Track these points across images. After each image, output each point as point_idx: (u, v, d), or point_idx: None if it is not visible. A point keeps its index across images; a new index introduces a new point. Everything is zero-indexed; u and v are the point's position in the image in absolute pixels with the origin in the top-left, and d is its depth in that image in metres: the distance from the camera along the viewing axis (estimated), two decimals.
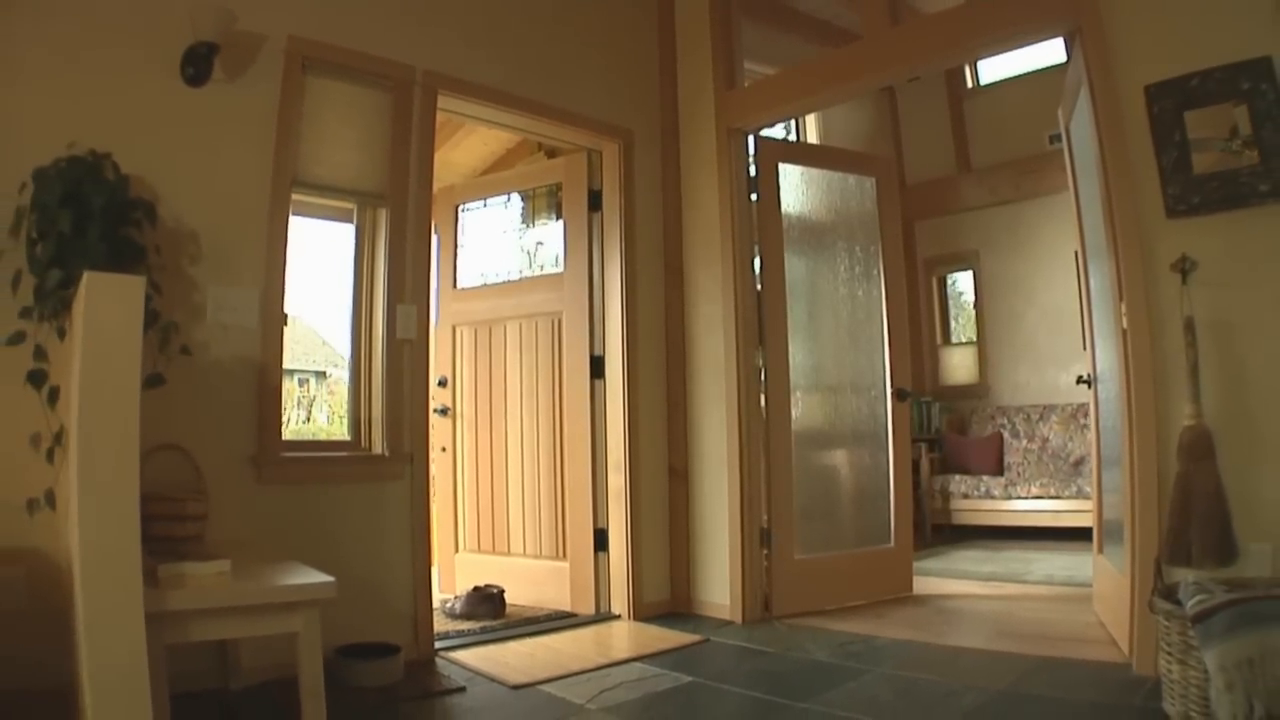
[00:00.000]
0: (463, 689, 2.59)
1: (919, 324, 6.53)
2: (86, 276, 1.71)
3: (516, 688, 2.59)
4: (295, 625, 1.88)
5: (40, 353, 2.17)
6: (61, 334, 2.16)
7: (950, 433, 6.17)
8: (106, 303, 1.69)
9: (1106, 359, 3.09)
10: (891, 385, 3.91)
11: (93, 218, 2.25)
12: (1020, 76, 6.22)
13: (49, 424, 2.18)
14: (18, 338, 2.16)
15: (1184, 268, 2.54)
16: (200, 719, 2.26)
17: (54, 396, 2.16)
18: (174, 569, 1.79)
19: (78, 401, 1.66)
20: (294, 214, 2.86)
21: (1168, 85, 2.62)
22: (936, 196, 6.52)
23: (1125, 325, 2.65)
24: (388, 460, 2.92)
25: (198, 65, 2.68)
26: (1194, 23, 2.62)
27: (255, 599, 1.85)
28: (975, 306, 6.48)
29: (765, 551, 3.58)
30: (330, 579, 1.92)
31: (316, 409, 11.39)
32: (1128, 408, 2.64)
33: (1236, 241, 2.50)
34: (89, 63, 2.51)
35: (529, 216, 4.12)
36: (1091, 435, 3.57)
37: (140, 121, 2.57)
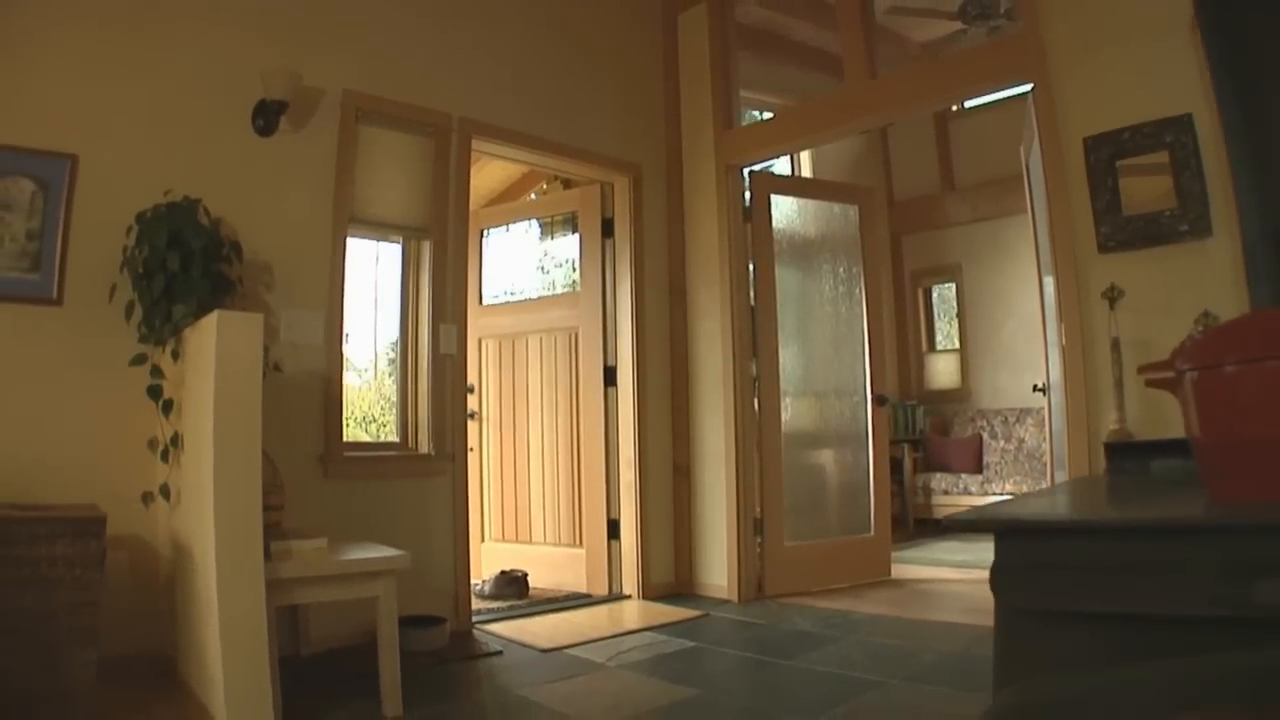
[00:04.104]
0: (500, 652, 3.06)
1: (905, 332, 6.98)
2: (218, 315, 2.16)
3: (545, 651, 3.06)
4: (377, 590, 2.34)
5: (157, 371, 2.61)
6: (175, 356, 2.60)
7: (933, 434, 6.62)
8: (235, 336, 2.14)
9: (1055, 370, 3.54)
10: (872, 391, 4.37)
11: (194, 257, 2.67)
12: (1001, 100, 6.63)
13: (162, 430, 2.63)
14: (140, 359, 2.61)
15: (1112, 295, 2.99)
16: (281, 678, 2.71)
17: (168, 408, 2.61)
18: (283, 545, 2.24)
19: (214, 415, 2.10)
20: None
21: (1103, 138, 3.05)
22: (923, 212, 6.97)
23: (1063, 343, 3.10)
24: (433, 459, 3.38)
25: (267, 118, 3.12)
26: (1128, 83, 3.03)
27: (347, 569, 2.30)
28: (958, 316, 6.92)
29: (758, 539, 4.04)
30: (405, 553, 2.39)
31: None
32: (1065, 414, 3.09)
33: (1157, 274, 2.93)
34: (173, 118, 2.92)
35: (547, 241, 4.58)
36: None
37: (219, 168, 2.98)
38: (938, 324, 7.20)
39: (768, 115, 6.06)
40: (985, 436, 6.38)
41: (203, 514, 2.19)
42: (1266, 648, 0.62)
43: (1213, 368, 0.77)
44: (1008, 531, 0.82)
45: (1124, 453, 1.29)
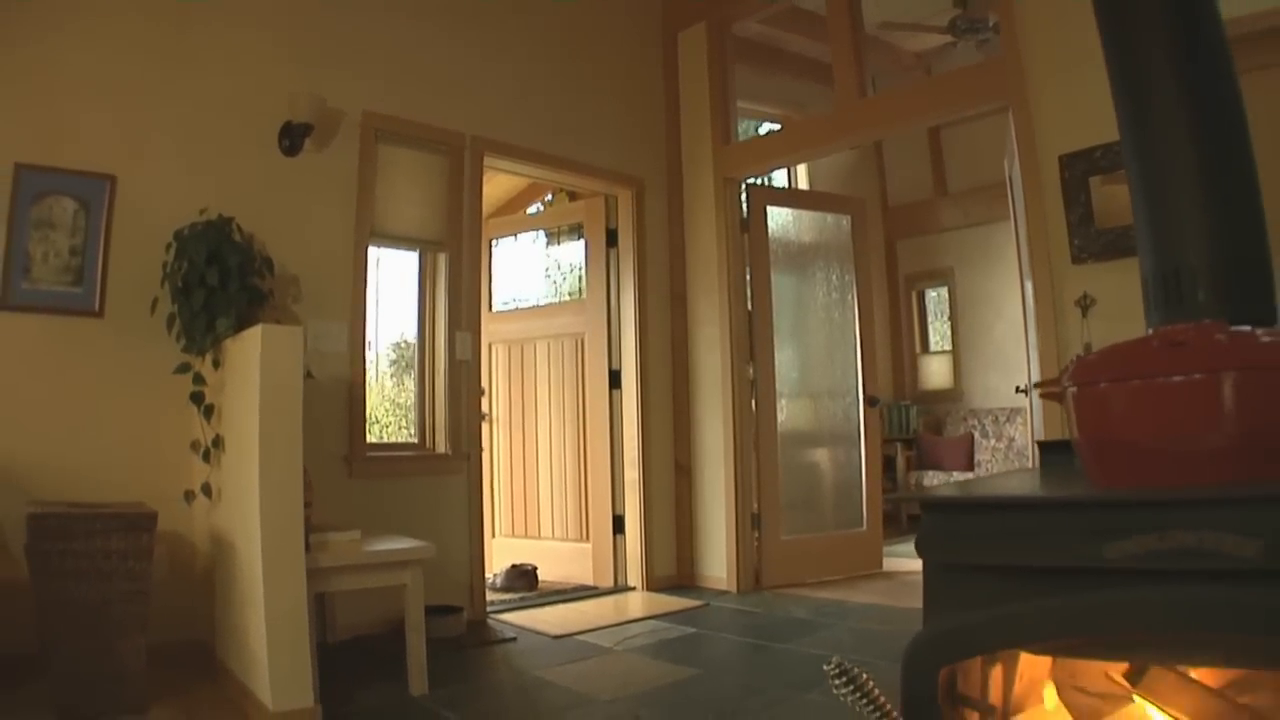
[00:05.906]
0: (514, 639, 3.28)
1: (900, 334, 7.19)
2: (262, 329, 2.37)
3: (557, 637, 3.28)
4: (404, 579, 2.55)
5: (199, 378, 2.82)
6: (215, 364, 2.81)
7: (926, 433, 6.83)
8: (278, 349, 2.35)
9: (1035, 372, 3.75)
10: (863, 393, 4.59)
11: (231, 273, 2.86)
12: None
13: (204, 433, 2.84)
14: (184, 368, 2.81)
15: (1085, 304, 3.19)
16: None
17: (209, 412, 2.82)
18: (321, 537, 2.46)
19: (259, 421, 2.30)
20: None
21: (1077, 155, 3.24)
22: (916, 218, 7.18)
23: (1039, 348, 3.31)
24: (450, 459, 3.60)
25: (293, 139, 3.32)
26: (1102, 103, 3.10)
27: (379, 559, 2.52)
28: (950, 318, 7.13)
29: (756, 533, 4.26)
30: (430, 544, 2.59)
31: None
32: (1042, 414, 3.30)
33: (1127, 283, 3.09)
34: (204, 139, 3.10)
35: (553, 249, 4.80)
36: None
37: (248, 187, 3.17)
38: (931, 326, 7.39)
39: (765, 125, 6.29)
40: (976, 435, 6.58)
41: (247, 511, 2.39)
42: (1108, 590, 0.83)
43: (1089, 385, 0.97)
44: (931, 507, 1.04)
45: (1052, 448, 1.52)
